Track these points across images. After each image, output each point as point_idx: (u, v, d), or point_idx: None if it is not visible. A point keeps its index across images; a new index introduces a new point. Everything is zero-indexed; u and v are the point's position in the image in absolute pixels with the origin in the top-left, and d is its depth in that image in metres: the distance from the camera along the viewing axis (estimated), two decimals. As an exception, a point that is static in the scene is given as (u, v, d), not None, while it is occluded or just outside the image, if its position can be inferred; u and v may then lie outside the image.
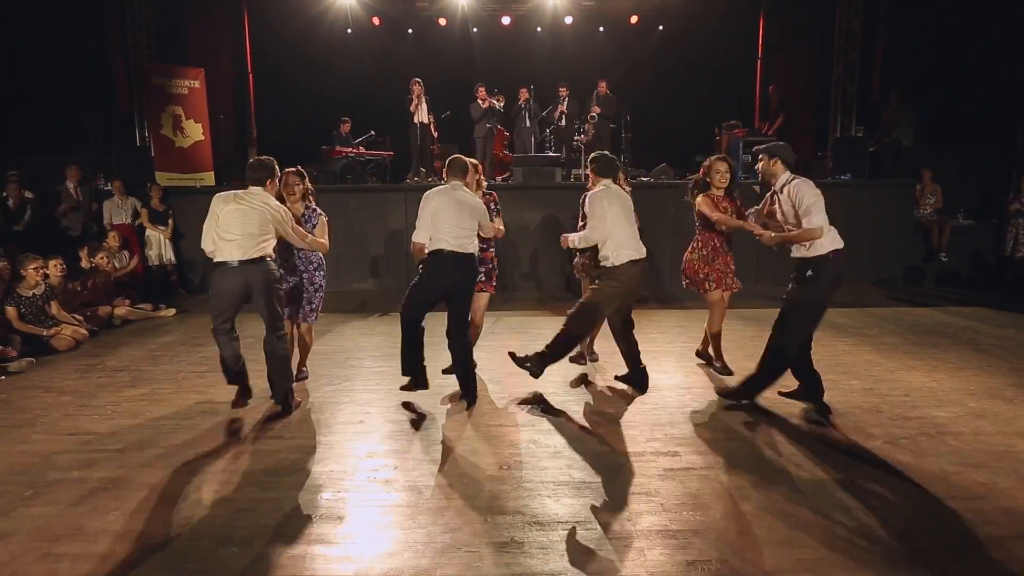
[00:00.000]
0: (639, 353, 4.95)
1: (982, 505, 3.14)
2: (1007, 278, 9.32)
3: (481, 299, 5.18)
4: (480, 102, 11.21)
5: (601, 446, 3.89)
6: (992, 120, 10.55)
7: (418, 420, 4.38)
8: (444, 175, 4.81)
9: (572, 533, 2.94)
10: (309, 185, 5.11)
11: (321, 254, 4.99)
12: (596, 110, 11.17)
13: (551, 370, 4.85)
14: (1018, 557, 2.71)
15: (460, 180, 4.71)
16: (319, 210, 5.09)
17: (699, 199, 5.21)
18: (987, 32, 10.68)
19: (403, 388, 4.75)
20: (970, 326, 6.97)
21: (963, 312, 7.71)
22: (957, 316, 7.51)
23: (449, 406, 4.64)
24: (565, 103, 11.46)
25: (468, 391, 4.70)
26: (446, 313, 4.59)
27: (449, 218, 4.47)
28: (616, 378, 5.14)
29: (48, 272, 6.69)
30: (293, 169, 4.99)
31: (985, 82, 10.70)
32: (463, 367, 4.71)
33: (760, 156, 4.49)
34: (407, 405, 4.66)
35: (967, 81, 10.92)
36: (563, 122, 11.46)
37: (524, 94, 11.62)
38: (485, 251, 5.07)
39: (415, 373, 4.70)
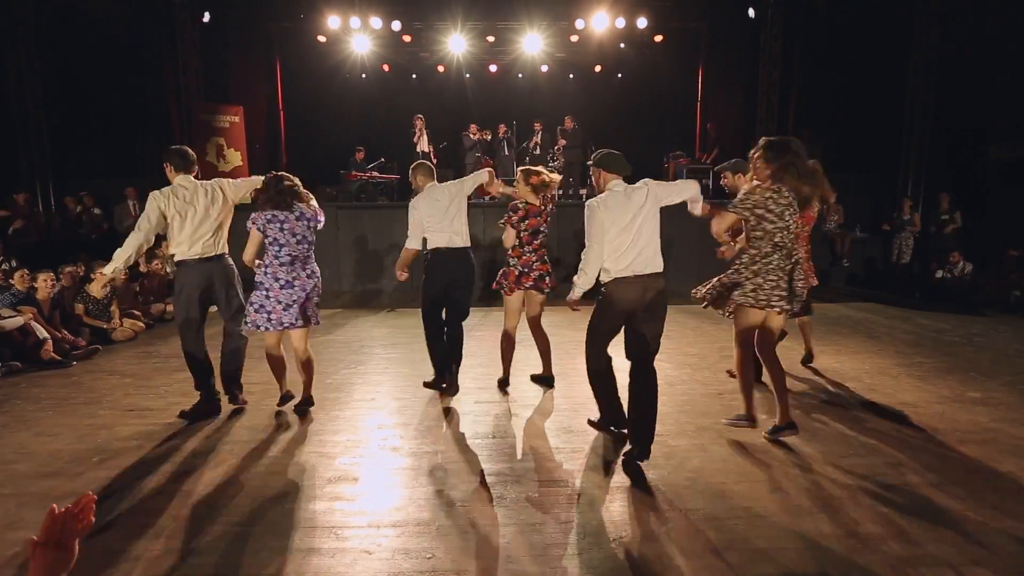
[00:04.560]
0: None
1: (874, 456, 3.21)
2: (894, 280, 9.47)
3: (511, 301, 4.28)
4: (471, 135, 11.21)
5: (568, 419, 3.90)
6: (879, 154, 10.81)
7: (420, 398, 4.36)
8: (415, 182, 4.27)
9: (545, 490, 2.94)
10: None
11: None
12: (561, 142, 11.21)
13: (525, 359, 4.79)
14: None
15: (431, 181, 4.22)
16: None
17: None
18: (877, 86, 10.89)
19: (427, 384, 4.43)
20: (866, 318, 7.08)
21: (861, 307, 7.82)
22: (856, 310, 7.61)
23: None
24: (539, 136, 11.44)
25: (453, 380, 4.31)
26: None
27: (434, 219, 4.08)
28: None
29: (112, 275, 6.58)
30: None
31: (875, 124, 10.94)
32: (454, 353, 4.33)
33: (724, 173, 4.38)
34: (411, 387, 4.63)
35: (862, 123, 11.13)
36: (538, 151, 11.46)
37: (503, 128, 11.61)
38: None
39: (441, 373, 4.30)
